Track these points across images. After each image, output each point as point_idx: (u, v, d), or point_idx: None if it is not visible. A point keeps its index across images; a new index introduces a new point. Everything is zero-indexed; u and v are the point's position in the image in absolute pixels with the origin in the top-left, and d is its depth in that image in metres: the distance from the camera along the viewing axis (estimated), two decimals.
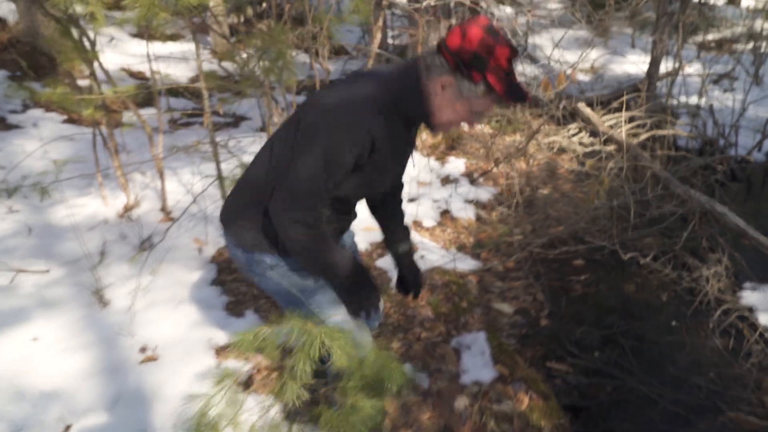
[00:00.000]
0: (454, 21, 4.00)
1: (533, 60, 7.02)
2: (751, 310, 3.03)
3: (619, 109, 5.16)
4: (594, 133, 5.20)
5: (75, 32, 2.89)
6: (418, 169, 4.47)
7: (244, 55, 3.35)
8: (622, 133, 4.28)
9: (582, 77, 7.81)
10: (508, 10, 7.58)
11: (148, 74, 5.82)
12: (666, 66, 6.30)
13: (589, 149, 4.61)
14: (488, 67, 1.42)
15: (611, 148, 4.71)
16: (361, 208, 1.87)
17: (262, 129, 4.94)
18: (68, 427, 2.13)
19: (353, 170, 1.51)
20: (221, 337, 2.62)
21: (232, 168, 3.13)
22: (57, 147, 4.20)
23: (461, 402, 2.40)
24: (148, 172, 3.98)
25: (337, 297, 1.70)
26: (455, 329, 2.88)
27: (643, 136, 4.48)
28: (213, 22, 6.13)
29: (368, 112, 1.45)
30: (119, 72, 6.15)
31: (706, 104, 5.49)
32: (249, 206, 1.63)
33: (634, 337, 2.95)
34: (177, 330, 2.64)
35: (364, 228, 3.40)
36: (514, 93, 1.46)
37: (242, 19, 7.12)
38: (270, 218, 1.56)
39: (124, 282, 2.90)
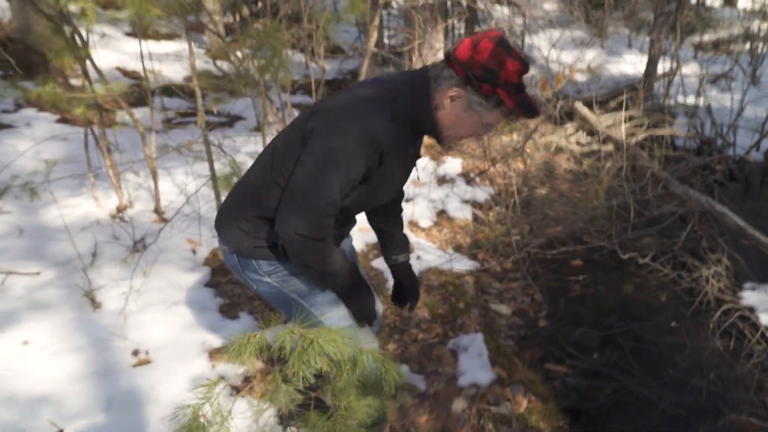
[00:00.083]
0: (451, 21, 3.97)
1: (530, 60, 7.00)
2: (751, 310, 3.01)
3: (616, 109, 5.14)
4: (591, 133, 5.17)
5: (67, 29, 2.85)
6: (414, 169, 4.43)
7: (240, 55, 3.32)
8: (622, 132, 4.25)
9: (579, 77, 7.80)
10: (506, 10, 7.56)
11: (142, 73, 5.78)
12: (663, 66, 6.29)
13: (587, 149, 4.59)
14: (499, 80, 1.39)
15: (609, 147, 4.68)
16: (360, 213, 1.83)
17: (257, 129, 4.89)
18: None
19: (360, 182, 1.48)
20: (215, 340, 2.58)
21: (226, 168, 3.09)
22: (50, 147, 4.15)
23: (459, 404, 2.36)
24: (142, 172, 3.94)
25: (339, 299, 1.67)
26: (452, 331, 2.85)
27: (642, 136, 4.45)
28: (208, 21, 6.09)
29: (378, 125, 1.42)
30: (113, 71, 6.10)
31: (704, 104, 5.47)
32: (246, 212, 1.58)
33: (633, 338, 2.92)
34: (170, 332, 2.59)
35: (360, 228, 3.37)
36: (524, 107, 1.42)
37: (238, 18, 7.08)
38: (267, 224, 1.54)
39: (117, 284, 2.85)
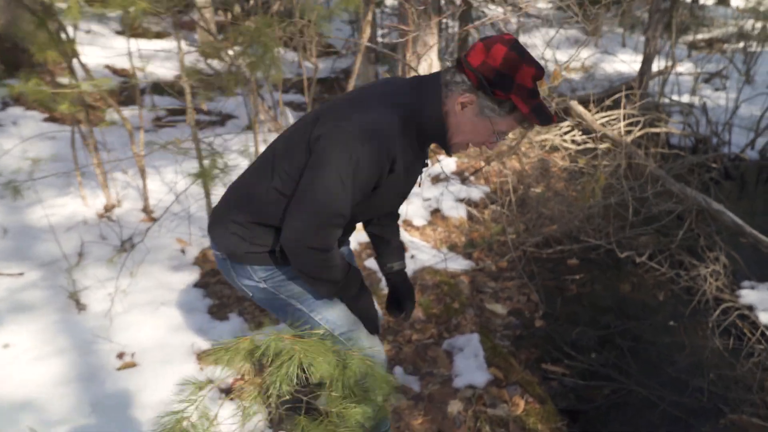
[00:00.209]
0: (445, 15, 3.91)
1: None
2: (750, 308, 2.97)
3: (611, 107, 5.11)
4: (586, 131, 5.13)
5: (51, 24, 2.78)
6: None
7: (231, 53, 3.25)
8: (621, 130, 4.21)
9: (573, 76, 7.78)
10: (500, 9, 7.52)
11: (134, 73, 5.70)
12: (658, 64, 6.27)
13: (582, 147, 4.54)
14: (513, 85, 1.32)
15: (605, 146, 4.64)
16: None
17: (249, 127, 4.83)
18: None
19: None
20: (204, 342, 2.51)
21: (216, 166, 3.01)
22: (37, 146, 4.07)
23: (454, 407, 2.31)
24: (130, 170, 3.86)
25: (338, 302, 1.62)
26: (447, 331, 2.79)
27: (638, 134, 4.41)
28: (199, 19, 6.02)
29: (390, 133, 1.36)
30: (103, 69, 6.01)
31: (699, 103, 5.45)
32: (243, 217, 1.51)
33: (631, 338, 2.88)
34: (157, 334, 2.52)
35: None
36: (539, 113, 1.35)
37: (230, 16, 7.02)
38: (265, 230, 1.48)
39: (103, 284, 2.78)
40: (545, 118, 1.35)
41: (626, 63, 7.35)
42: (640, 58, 6.56)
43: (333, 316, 1.60)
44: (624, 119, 4.91)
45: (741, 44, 7.56)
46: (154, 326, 2.56)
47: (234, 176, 3.75)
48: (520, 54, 1.33)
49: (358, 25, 7.11)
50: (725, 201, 3.83)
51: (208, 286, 2.93)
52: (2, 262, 2.90)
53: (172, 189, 3.70)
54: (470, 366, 2.52)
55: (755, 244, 3.30)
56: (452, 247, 3.65)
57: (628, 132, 4.77)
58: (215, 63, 4.97)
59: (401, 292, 1.85)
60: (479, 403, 2.33)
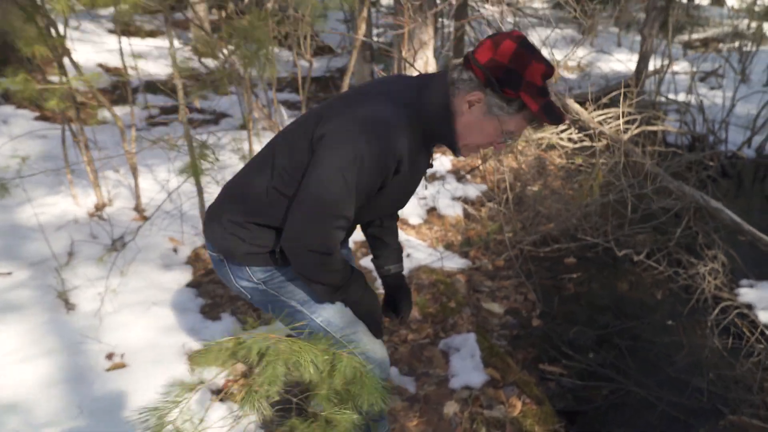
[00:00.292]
0: (440, 8, 3.87)
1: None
2: (750, 307, 2.93)
3: (607, 106, 5.08)
4: (582, 129, 5.10)
5: (40, 19, 2.73)
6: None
7: (225, 51, 3.21)
8: (620, 126, 4.18)
9: (570, 75, 7.76)
10: (495, 8, 7.49)
11: (126, 71, 5.66)
12: (654, 63, 6.26)
13: (579, 145, 4.51)
14: (522, 83, 1.28)
15: (601, 144, 4.61)
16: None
17: (243, 126, 4.78)
18: None
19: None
20: (195, 343, 2.46)
21: (207, 160, 2.96)
22: (28, 145, 4.01)
23: (450, 408, 2.27)
24: (122, 169, 3.81)
25: (343, 307, 1.57)
26: (443, 331, 2.75)
27: (635, 131, 4.39)
28: (193, 16, 5.97)
29: (396, 134, 1.31)
30: (95, 67, 5.95)
31: (695, 101, 5.43)
32: (242, 217, 1.46)
33: (629, 337, 2.84)
34: (147, 335, 2.47)
35: None
36: (549, 112, 1.30)
37: (224, 15, 6.97)
38: (265, 231, 1.43)
39: (93, 284, 2.73)
40: (555, 116, 1.30)
41: (622, 62, 7.33)
42: (635, 57, 6.54)
43: (335, 318, 1.55)
44: (621, 117, 4.89)
45: (736, 44, 7.56)
46: (144, 326, 2.52)
47: (227, 173, 3.71)
48: (530, 51, 1.28)
49: (353, 24, 7.07)
50: (722, 199, 3.80)
51: (200, 286, 2.89)
52: None
53: (164, 187, 3.65)
54: (467, 366, 2.48)
55: (753, 241, 3.27)
56: (448, 246, 3.61)
57: (625, 130, 4.74)
58: (209, 61, 4.93)
59: (398, 294, 1.80)
60: (476, 404, 2.29)
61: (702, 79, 7.13)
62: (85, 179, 3.60)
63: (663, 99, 5.86)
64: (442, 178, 4.40)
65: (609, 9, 9.58)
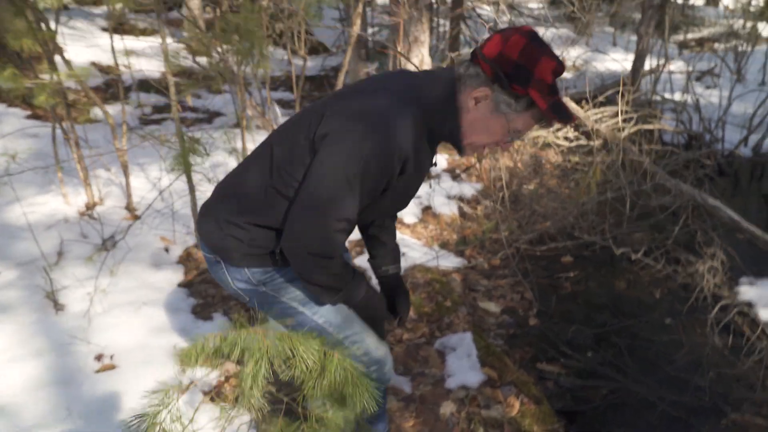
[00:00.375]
0: (436, 4, 3.85)
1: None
2: (750, 305, 2.91)
3: (603, 104, 5.06)
4: (579, 127, 5.08)
5: (31, 14, 2.68)
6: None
7: (219, 50, 3.16)
8: (619, 124, 4.16)
9: (565, 74, 7.74)
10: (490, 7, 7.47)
11: (118, 68, 5.61)
12: (650, 63, 6.24)
13: (575, 143, 4.49)
14: (531, 79, 1.22)
15: (598, 142, 4.59)
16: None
17: (237, 125, 4.73)
18: None
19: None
20: (186, 343, 2.41)
21: (197, 152, 2.90)
22: (19, 143, 3.95)
23: (447, 408, 2.23)
24: (113, 167, 3.76)
25: (345, 307, 1.53)
26: (439, 330, 2.71)
27: (631, 130, 4.36)
28: (187, 14, 5.92)
29: (402, 133, 1.25)
30: (88, 66, 5.89)
31: (692, 100, 5.42)
32: (239, 218, 1.40)
33: (628, 336, 2.81)
34: (138, 335, 2.42)
35: None
36: (558, 110, 1.25)
37: (218, 13, 6.93)
38: (264, 231, 1.38)
39: (82, 284, 2.68)
40: (565, 115, 1.26)
41: (617, 62, 7.32)
42: (631, 56, 6.53)
43: (336, 319, 1.51)
44: (617, 116, 4.86)
45: (732, 43, 7.57)
46: (134, 327, 2.46)
47: (219, 172, 3.65)
48: (540, 46, 1.23)
49: (348, 22, 7.03)
50: (720, 197, 3.78)
51: (192, 286, 2.84)
52: None
53: (155, 185, 3.60)
54: (463, 366, 2.44)
55: (751, 239, 3.25)
56: (444, 245, 3.58)
57: (622, 129, 4.72)
58: (203, 60, 4.87)
59: (396, 295, 1.75)
60: (473, 404, 2.25)
61: (698, 79, 7.13)
62: (75, 178, 3.54)
63: (659, 98, 5.85)
64: (437, 176, 4.37)
65: (604, 8, 9.58)
